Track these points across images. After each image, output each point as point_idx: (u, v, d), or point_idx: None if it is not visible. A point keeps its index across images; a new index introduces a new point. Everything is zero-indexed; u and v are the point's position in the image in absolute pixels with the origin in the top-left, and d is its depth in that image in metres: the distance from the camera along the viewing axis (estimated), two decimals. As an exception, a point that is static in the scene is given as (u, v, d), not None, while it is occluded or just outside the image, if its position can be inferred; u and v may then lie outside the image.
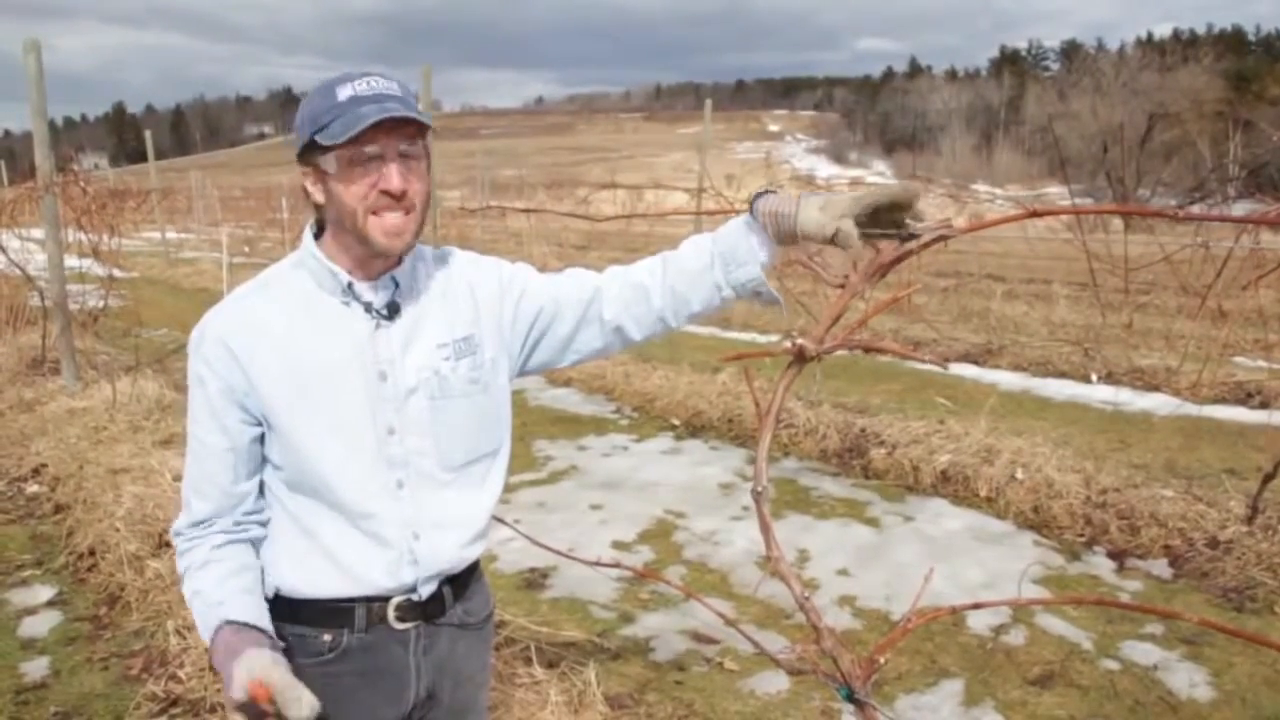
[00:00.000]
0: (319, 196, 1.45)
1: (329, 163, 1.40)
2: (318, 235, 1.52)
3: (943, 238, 1.47)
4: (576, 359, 1.69)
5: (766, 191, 1.55)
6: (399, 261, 1.51)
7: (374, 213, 1.40)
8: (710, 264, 1.58)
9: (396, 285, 1.51)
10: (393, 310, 1.50)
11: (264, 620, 1.47)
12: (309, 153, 1.42)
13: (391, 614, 1.53)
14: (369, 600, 1.52)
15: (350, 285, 1.47)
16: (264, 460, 1.52)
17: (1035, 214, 1.45)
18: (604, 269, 1.70)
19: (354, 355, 1.47)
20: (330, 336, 1.47)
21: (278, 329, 1.46)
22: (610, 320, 1.63)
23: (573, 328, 1.65)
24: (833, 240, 1.48)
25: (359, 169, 1.38)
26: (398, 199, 1.39)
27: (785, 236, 1.51)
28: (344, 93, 1.37)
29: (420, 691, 1.60)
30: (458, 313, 1.56)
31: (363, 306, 1.49)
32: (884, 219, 1.48)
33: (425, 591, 1.56)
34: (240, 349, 1.44)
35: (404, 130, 1.39)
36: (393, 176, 1.38)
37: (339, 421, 1.46)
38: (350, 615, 1.53)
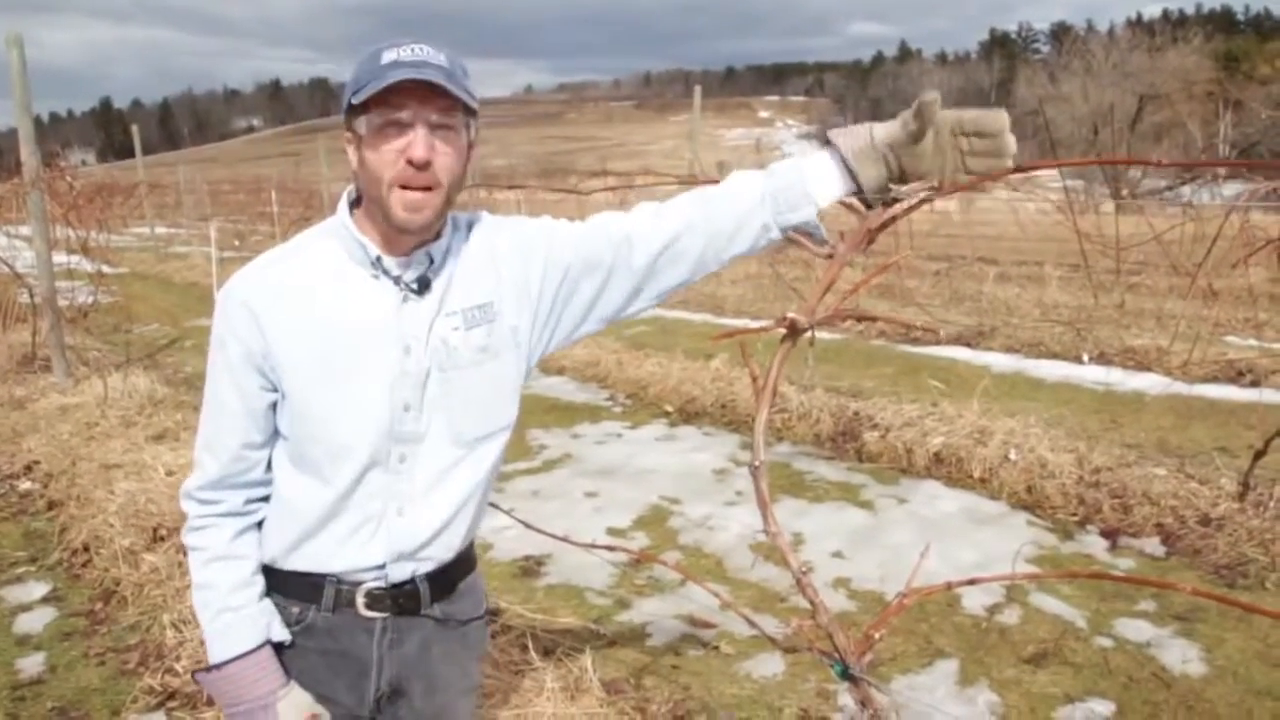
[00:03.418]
0: (354, 162, 1.41)
1: (362, 125, 1.37)
2: (355, 204, 1.48)
3: (927, 199, 1.47)
4: (613, 314, 1.61)
5: (838, 132, 1.51)
6: (437, 236, 1.46)
7: (400, 185, 1.35)
8: (760, 201, 1.52)
9: (431, 260, 1.46)
10: (423, 285, 1.45)
11: (275, 631, 1.51)
12: (349, 115, 1.39)
13: (360, 599, 1.50)
14: (339, 581, 1.50)
15: (379, 259, 1.43)
16: (276, 431, 1.50)
17: (1021, 170, 1.45)
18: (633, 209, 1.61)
19: (379, 328, 1.43)
20: (356, 308, 1.43)
21: (302, 295, 1.42)
22: (644, 270, 1.56)
23: (602, 283, 1.57)
24: (917, 134, 1.44)
25: (388, 133, 1.35)
26: (421, 169, 1.34)
27: (873, 177, 1.50)
28: (388, 57, 1.34)
29: (382, 685, 1.56)
30: (478, 280, 1.50)
31: (391, 280, 1.44)
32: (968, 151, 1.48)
33: (395, 574, 1.51)
34: (261, 312, 1.41)
35: (438, 101, 1.34)
36: (418, 144, 1.33)
37: (356, 394, 1.43)
38: (319, 592, 1.51)
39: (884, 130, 1.46)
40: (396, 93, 1.32)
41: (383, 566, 1.50)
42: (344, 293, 1.44)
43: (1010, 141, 1.45)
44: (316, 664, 1.54)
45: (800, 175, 1.50)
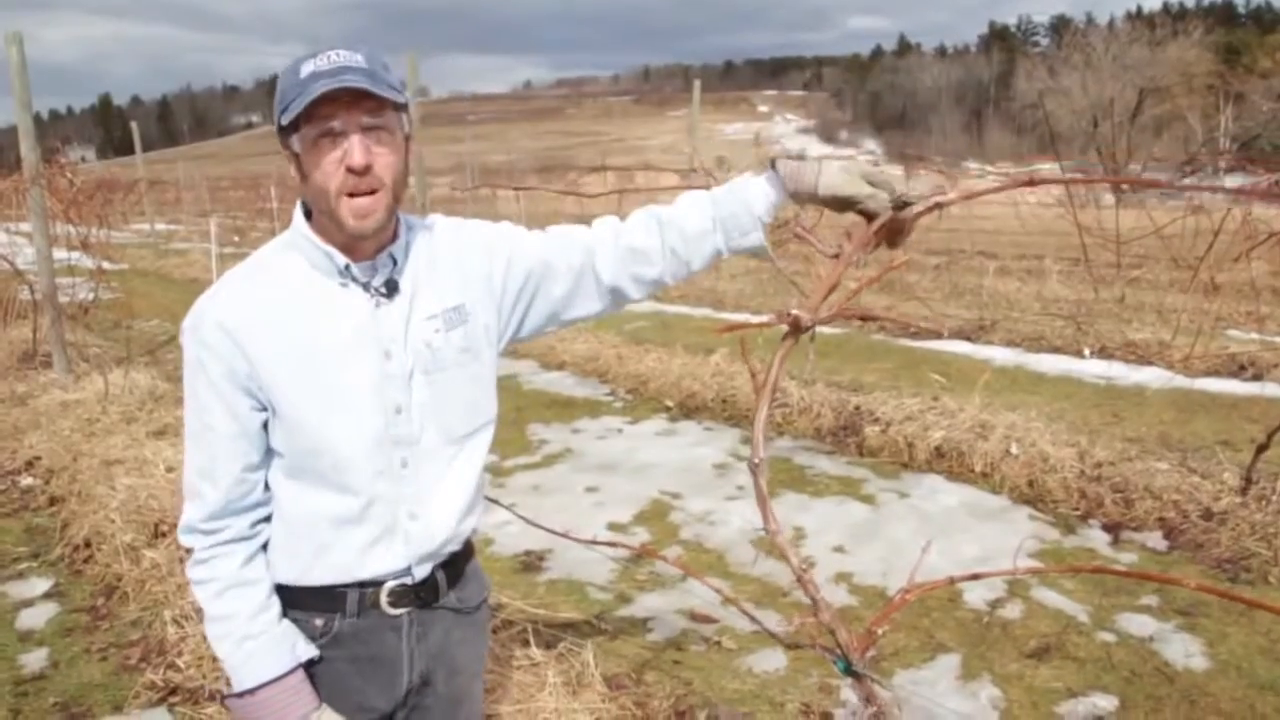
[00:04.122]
0: (297, 180, 1.42)
1: (296, 143, 1.37)
2: (310, 215, 1.48)
3: (937, 205, 1.47)
4: (573, 320, 1.68)
5: (783, 159, 1.62)
6: (394, 237, 1.47)
7: (347, 194, 1.36)
8: (712, 229, 1.61)
9: (394, 262, 1.47)
10: (391, 288, 1.47)
11: (301, 650, 1.50)
12: (282, 134, 1.39)
13: (384, 599, 1.51)
14: (361, 585, 1.50)
15: (347, 267, 1.44)
16: (269, 449, 1.48)
17: (1030, 183, 1.45)
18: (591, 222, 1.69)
19: (356, 336, 1.44)
20: (331, 318, 1.43)
21: (276, 312, 1.42)
22: (608, 281, 1.64)
23: (567, 289, 1.63)
24: (856, 200, 1.56)
25: (323, 145, 1.35)
26: (362, 174, 1.35)
27: (804, 194, 1.58)
28: (306, 69, 1.34)
29: (413, 679, 1.58)
30: (447, 282, 1.53)
31: (361, 286, 1.45)
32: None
33: (419, 573, 1.53)
34: (239, 332, 1.40)
35: (365, 104, 1.34)
36: (354, 151, 1.33)
37: (345, 403, 1.43)
38: (343, 600, 1.50)
39: (829, 185, 1.57)
40: (323, 104, 1.32)
41: (408, 569, 1.52)
42: (316, 305, 1.44)
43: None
44: (346, 672, 1.53)
45: (746, 205, 1.60)
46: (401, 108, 1.41)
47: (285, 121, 1.34)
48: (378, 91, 1.33)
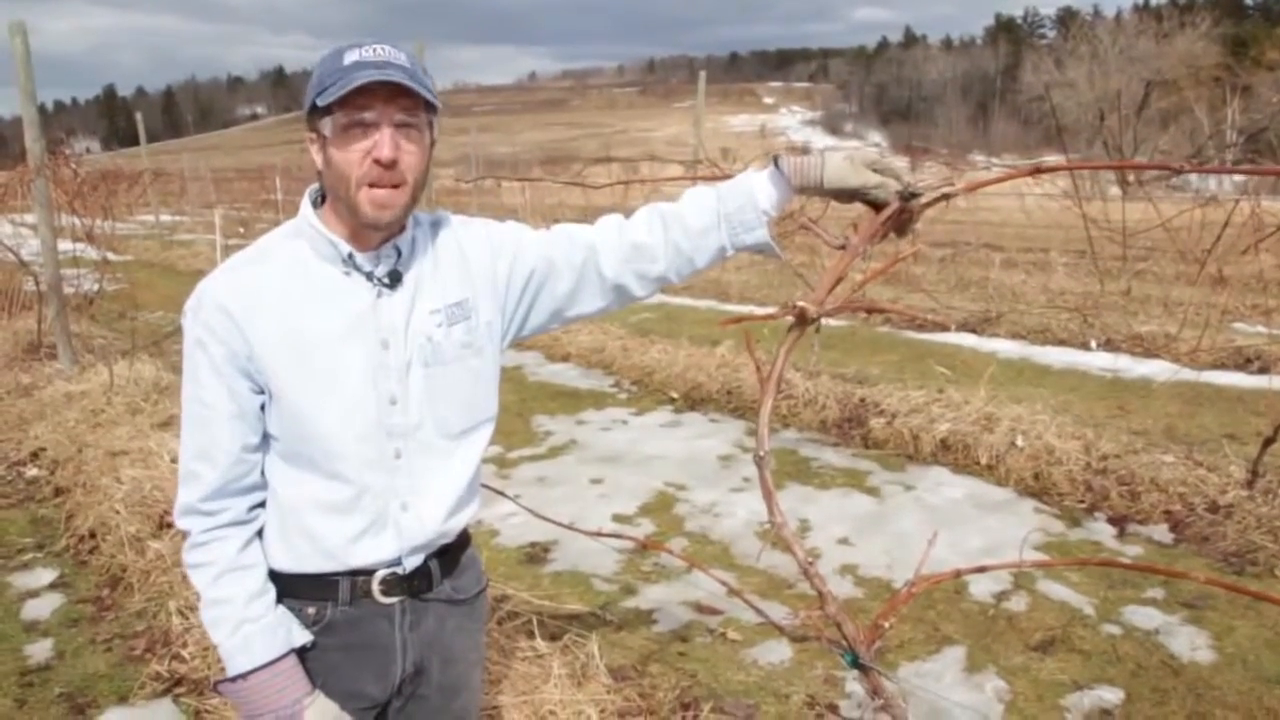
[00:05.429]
0: (319, 162, 1.43)
1: (327, 126, 1.38)
2: (319, 204, 1.49)
3: (945, 196, 1.46)
4: (576, 317, 1.68)
5: (786, 154, 1.61)
6: (401, 230, 1.48)
7: (368, 184, 1.37)
8: (715, 224, 1.59)
9: (399, 254, 1.48)
10: (394, 279, 1.47)
11: (295, 636, 1.50)
12: (312, 116, 1.40)
13: (376, 588, 1.52)
14: (353, 574, 1.51)
15: (351, 256, 1.45)
16: (266, 434, 1.49)
17: (1038, 170, 1.43)
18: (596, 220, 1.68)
19: (356, 325, 1.44)
20: (331, 306, 1.44)
21: (277, 296, 1.43)
22: (611, 278, 1.63)
23: (570, 287, 1.63)
24: (863, 191, 1.56)
25: (354, 133, 1.36)
26: (388, 168, 1.36)
27: (810, 187, 1.58)
28: (350, 57, 1.36)
29: (407, 667, 1.58)
30: (450, 277, 1.53)
31: (364, 276, 1.46)
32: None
33: (410, 564, 1.54)
34: (240, 314, 1.41)
35: (402, 100, 1.36)
36: (384, 144, 1.35)
37: (339, 391, 1.44)
38: (335, 588, 1.51)
39: (835, 177, 1.57)
40: (361, 94, 1.33)
41: (398, 559, 1.52)
42: (318, 292, 1.45)
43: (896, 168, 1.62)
44: (340, 661, 1.54)
45: (751, 200, 1.59)
46: (433, 110, 1.42)
47: (322, 103, 1.35)
48: (416, 89, 1.35)
